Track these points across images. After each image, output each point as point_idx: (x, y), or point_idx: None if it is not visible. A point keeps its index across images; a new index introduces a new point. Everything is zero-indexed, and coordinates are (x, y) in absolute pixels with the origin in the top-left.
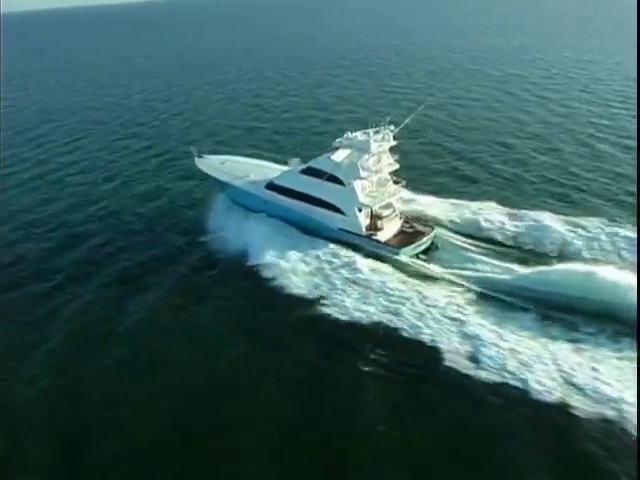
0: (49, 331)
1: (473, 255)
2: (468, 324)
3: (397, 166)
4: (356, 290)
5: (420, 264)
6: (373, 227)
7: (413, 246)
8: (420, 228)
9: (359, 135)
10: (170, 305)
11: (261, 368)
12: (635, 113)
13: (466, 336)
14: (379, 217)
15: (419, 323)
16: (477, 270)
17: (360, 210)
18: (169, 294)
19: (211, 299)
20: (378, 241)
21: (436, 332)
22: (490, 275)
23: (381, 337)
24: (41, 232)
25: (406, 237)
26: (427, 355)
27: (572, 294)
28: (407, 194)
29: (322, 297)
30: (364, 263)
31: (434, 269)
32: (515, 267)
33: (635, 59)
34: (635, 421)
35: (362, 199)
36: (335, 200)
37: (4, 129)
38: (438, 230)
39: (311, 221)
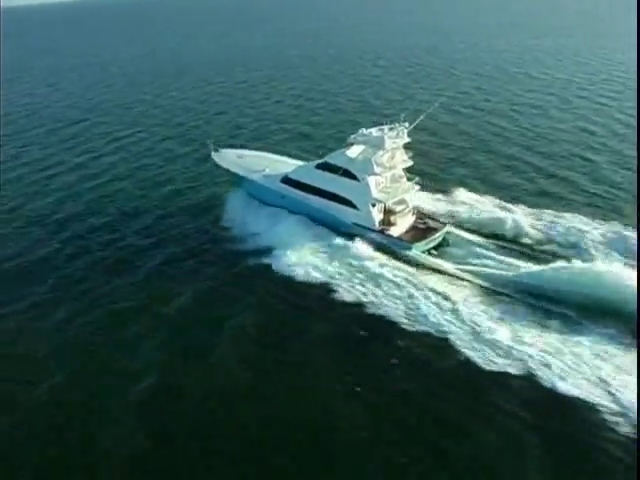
0: (137, 364)
1: (485, 252)
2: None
3: (411, 163)
4: (459, 322)
5: (431, 260)
6: (386, 222)
7: (425, 242)
8: (432, 224)
9: (374, 131)
10: (257, 336)
11: (382, 423)
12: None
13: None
14: (392, 212)
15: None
16: (488, 266)
17: (374, 205)
18: (252, 325)
19: (299, 331)
20: (391, 236)
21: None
22: (500, 272)
23: (506, 383)
24: (98, 247)
25: (418, 233)
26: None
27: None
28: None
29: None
30: (460, 296)
31: (444, 265)
32: (525, 264)
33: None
34: None
35: (376, 194)
36: (349, 195)
37: (36, 127)
38: (450, 227)
39: (325, 215)
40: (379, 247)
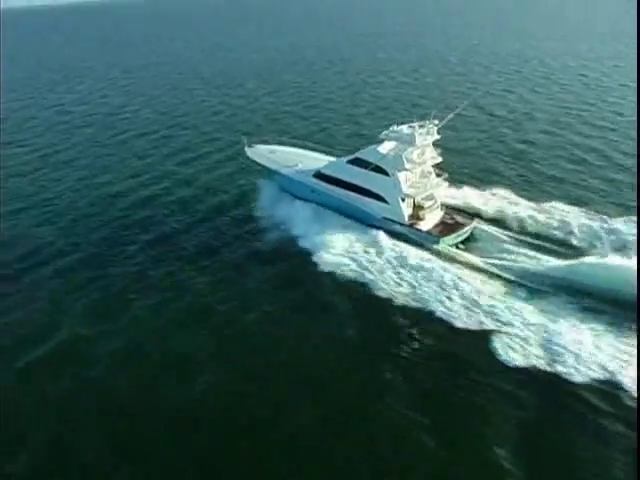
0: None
1: (512, 247)
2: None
3: (440, 159)
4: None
5: (459, 253)
6: (415, 217)
7: (453, 236)
8: (460, 219)
9: (404, 128)
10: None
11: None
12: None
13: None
14: (421, 207)
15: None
16: (515, 261)
17: (403, 200)
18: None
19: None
20: (420, 230)
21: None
22: (527, 266)
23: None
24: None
25: (446, 227)
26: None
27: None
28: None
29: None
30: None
31: (472, 259)
32: (553, 259)
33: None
34: None
35: (406, 189)
36: (380, 190)
37: (114, 135)
38: (478, 222)
39: (356, 209)
40: (408, 241)
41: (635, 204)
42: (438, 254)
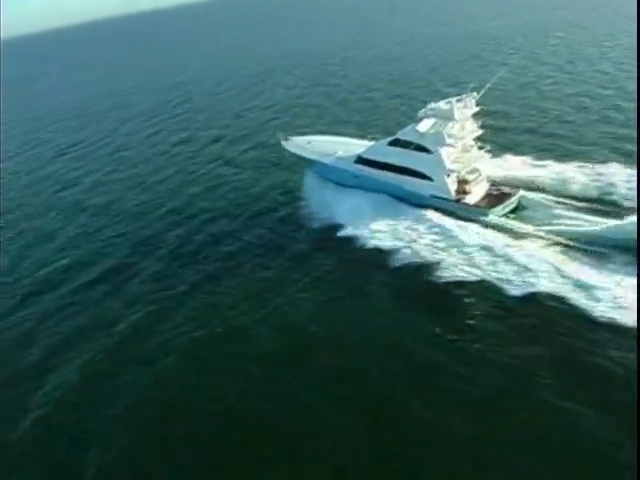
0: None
1: (561, 212)
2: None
3: (480, 132)
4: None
5: (510, 223)
6: (461, 191)
7: (501, 207)
8: (506, 190)
9: (442, 104)
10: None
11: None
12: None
13: None
14: (466, 182)
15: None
16: (567, 225)
17: (448, 176)
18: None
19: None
20: (467, 204)
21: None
22: (580, 229)
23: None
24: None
25: (493, 199)
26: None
27: None
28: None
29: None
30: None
31: (523, 227)
32: (600, 219)
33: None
34: None
35: (449, 165)
36: (423, 168)
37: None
38: (523, 191)
39: (402, 190)
40: (457, 216)
41: None
42: (489, 226)
